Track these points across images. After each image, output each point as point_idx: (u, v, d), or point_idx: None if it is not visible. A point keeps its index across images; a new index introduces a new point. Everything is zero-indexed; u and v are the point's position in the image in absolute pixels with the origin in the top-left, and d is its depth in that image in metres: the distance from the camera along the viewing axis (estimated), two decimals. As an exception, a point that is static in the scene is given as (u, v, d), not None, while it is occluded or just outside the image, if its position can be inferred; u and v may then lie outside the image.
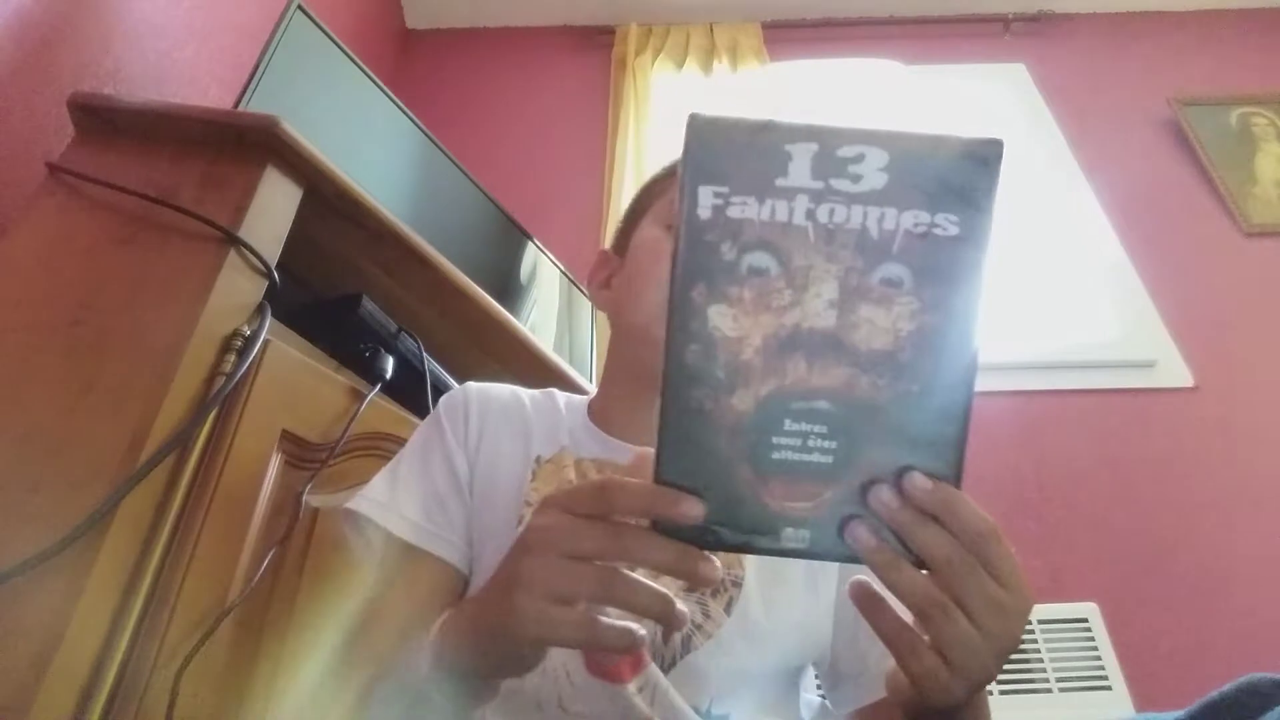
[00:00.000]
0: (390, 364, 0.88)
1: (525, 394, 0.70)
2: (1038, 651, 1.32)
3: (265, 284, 0.73)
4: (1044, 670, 1.30)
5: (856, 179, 0.30)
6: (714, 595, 0.54)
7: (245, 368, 0.66)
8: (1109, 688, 1.29)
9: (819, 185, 0.30)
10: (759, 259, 0.31)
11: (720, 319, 0.31)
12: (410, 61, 2.25)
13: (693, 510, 0.31)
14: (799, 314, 0.31)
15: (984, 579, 0.32)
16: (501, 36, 2.33)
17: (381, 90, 1.21)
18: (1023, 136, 2.10)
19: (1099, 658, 1.32)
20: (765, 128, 0.31)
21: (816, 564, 0.59)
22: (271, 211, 0.75)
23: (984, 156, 0.31)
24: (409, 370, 0.92)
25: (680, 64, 2.15)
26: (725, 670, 0.53)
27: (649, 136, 1.94)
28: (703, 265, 0.31)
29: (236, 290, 0.69)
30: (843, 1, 2.28)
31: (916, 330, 0.31)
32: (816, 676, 0.62)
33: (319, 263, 0.90)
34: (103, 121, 0.80)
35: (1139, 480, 1.54)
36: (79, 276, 0.69)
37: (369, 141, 1.19)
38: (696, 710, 0.51)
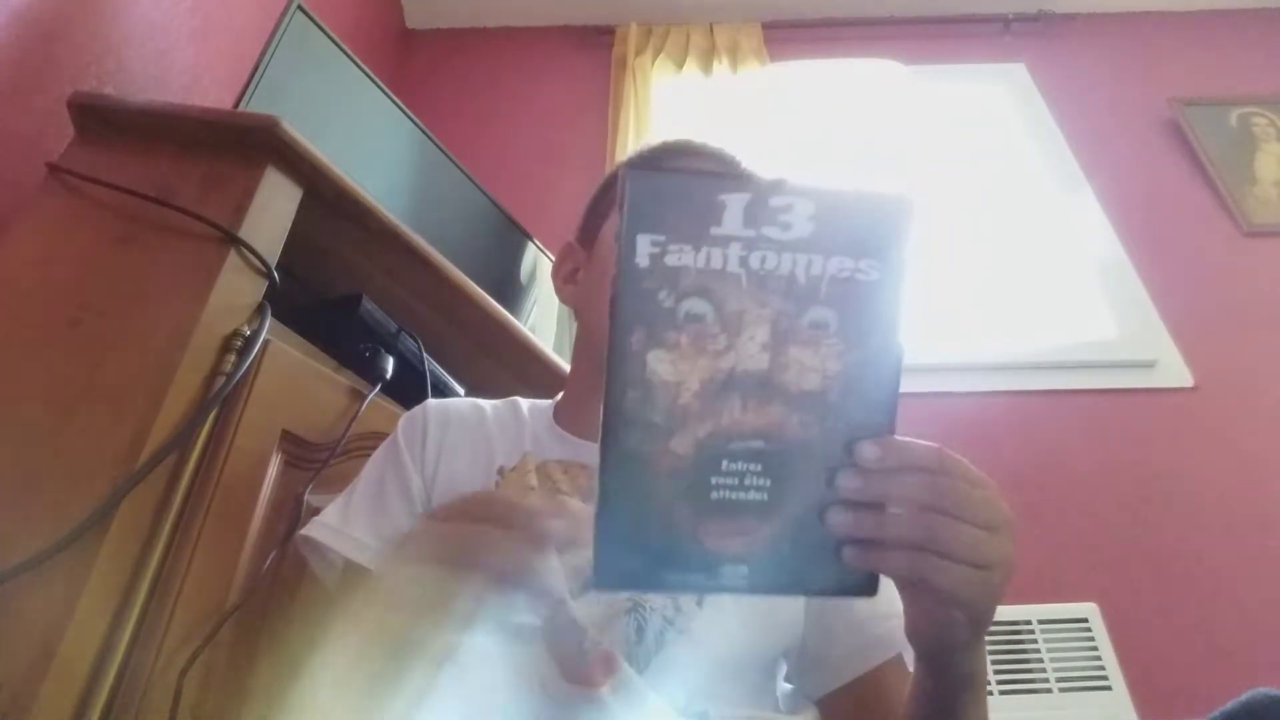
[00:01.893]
0: (390, 364, 0.88)
1: (487, 405, 0.69)
2: (1038, 651, 1.32)
3: (265, 284, 0.73)
4: (1044, 670, 1.30)
5: (786, 227, 0.32)
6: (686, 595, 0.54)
7: (245, 368, 0.66)
8: (1109, 688, 1.29)
9: (751, 233, 0.32)
10: (696, 305, 0.32)
11: (659, 364, 0.32)
12: (410, 61, 2.25)
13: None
14: (734, 357, 0.32)
15: (960, 485, 0.34)
16: (501, 36, 2.33)
17: (381, 90, 1.21)
18: (1022, 136, 2.10)
19: (1099, 658, 1.31)
20: (701, 179, 0.33)
21: None
22: (271, 211, 0.75)
23: (895, 210, 0.33)
24: (409, 370, 0.92)
25: (680, 64, 2.15)
26: (700, 664, 0.53)
27: (649, 136, 1.94)
28: (641, 312, 0.32)
29: (236, 290, 0.69)
30: (843, 1, 2.28)
31: (843, 369, 0.33)
32: (786, 665, 0.62)
33: (319, 263, 0.90)
34: (103, 121, 0.80)
35: (1139, 480, 1.54)
36: (79, 276, 0.69)
37: (369, 141, 1.19)
38: (674, 708, 0.51)
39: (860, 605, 0.59)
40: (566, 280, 0.71)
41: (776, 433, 0.33)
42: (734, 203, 0.32)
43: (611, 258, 0.68)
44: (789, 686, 0.65)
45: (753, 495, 0.33)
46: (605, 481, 0.32)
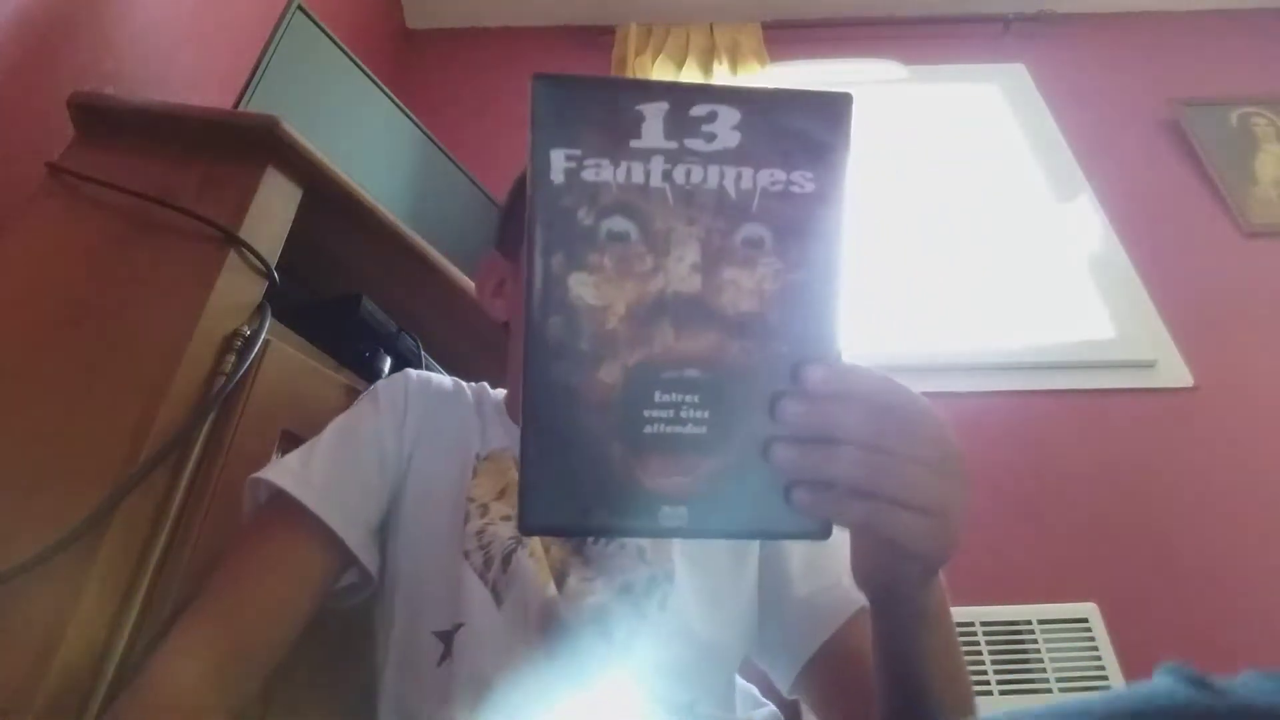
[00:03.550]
0: (390, 364, 0.88)
1: (466, 388, 0.68)
2: (1038, 651, 1.32)
3: (265, 284, 0.73)
4: (1044, 670, 1.30)
5: (710, 138, 0.30)
6: (646, 594, 0.54)
7: (245, 368, 0.66)
8: (1109, 688, 1.28)
9: (673, 145, 0.30)
10: (618, 224, 0.30)
11: (582, 288, 0.30)
12: (410, 61, 2.25)
13: None
14: (662, 279, 0.30)
15: (907, 423, 0.32)
16: (501, 36, 2.33)
17: (381, 90, 1.21)
18: (1022, 136, 2.10)
19: (1099, 658, 1.31)
20: (614, 86, 0.31)
21: (739, 549, 0.59)
22: (271, 211, 0.75)
23: (834, 111, 0.31)
24: (409, 370, 0.92)
25: (680, 64, 2.14)
26: (666, 667, 0.52)
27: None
28: (560, 232, 0.30)
29: (236, 290, 0.69)
30: (843, 1, 2.28)
31: (781, 290, 0.31)
32: (758, 655, 0.62)
33: (319, 263, 0.90)
34: (103, 121, 0.80)
35: (1139, 480, 1.54)
36: (79, 276, 0.69)
37: (369, 141, 1.19)
38: (659, 699, 0.51)
39: (803, 581, 0.59)
40: (494, 294, 0.68)
41: (713, 360, 0.30)
42: (652, 113, 0.30)
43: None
44: (748, 686, 0.65)
45: (690, 429, 0.30)
46: (530, 416, 0.30)
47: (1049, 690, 1.28)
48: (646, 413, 0.30)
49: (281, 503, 0.55)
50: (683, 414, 0.30)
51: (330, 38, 1.13)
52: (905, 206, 1.98)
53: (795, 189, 0.30)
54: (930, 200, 1.99)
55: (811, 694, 0.58)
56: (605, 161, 0.29)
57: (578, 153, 0.29)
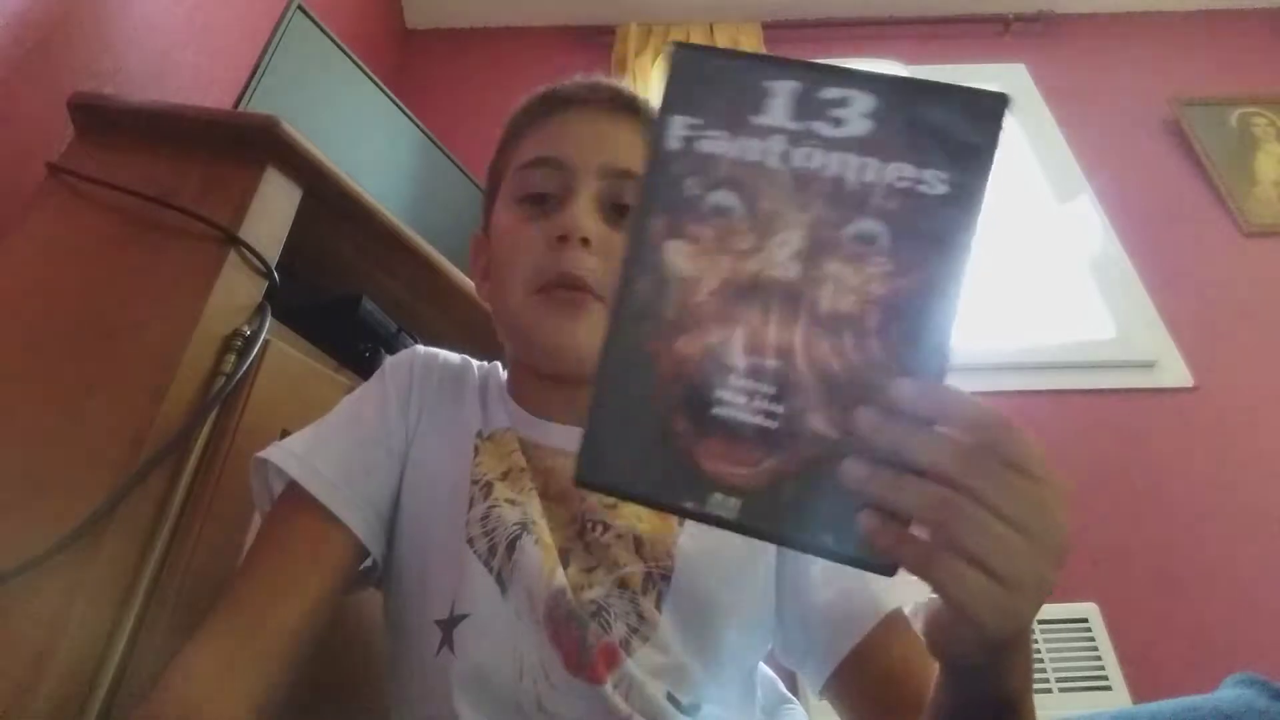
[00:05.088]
0: (390, 364, 0.88)
1: (474, 365, 0.67)
2: (1038, 651, 1.32)
3: (265, 284, 0.72)
4: (1044, 670, 1.30)
5: (838, 123, 0.28)
6: (644, 592, 0.52)
7: (245, 368, 0.66)
8: (1109, 688, 1.29)
9: (797, 127, 0.29)
10: (724, 198, 0.29)
11: (677, 255, 0.29)
12: (410, 61, 2.25)
13: None
14: (760, 261, 0.29)
15: (1005, 471, 0.28)
16: (501, 36, 2.33)
17: (381, 90, 1.21)
18: (1022, 136, 2.10)
19: (1099, 658, 1.31)
20: (748, 60, 0.30)
21: (749, 550, 0.56)
22: (271, 211, 0.75)
23: (986, 111, 0.28)
24: (409, 370, 0.92)
25: (680, 64, 2.14)
26: (668, 670, 0.51)
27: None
28: (666, 197, 0.29)
29: (236, 290, 0.69)
30: (843, 1, 2.28)
31: (888, 295, 0.28)
32: (784, 658, 0.60)
33: (319, 263, 0.90)
34: (103, 121, 0.80)
35: (1139, 480, 1.54)
36: (79, 276, 0.69)
37: (369, 141, 1.19)
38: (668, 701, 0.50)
39: (825, 586, 0.55)
40: (484, 277, 0.67)
41: (799, 354, 0.28)
42: (781, 90, 0.29)
43: (502, 248, 0.61)
44: (774, 678, 0.64)
45: (760, 420, 0.28)
46: (603, 371, 0.29)
47: (1049, 690, 1.28)
48: (718, 394, 0.29)
49: (294, 494, 0.54)
50: (755, 403, 0.28)
51: (330, 38, 1.13)
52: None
53: (924, 189, 0.28)
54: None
55: (840, 703, 0.56)
56: (724, 134, 0.29)
57: (699, 122, 0.29)
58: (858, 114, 0.28)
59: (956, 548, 0.27)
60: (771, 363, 0.28)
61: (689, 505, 0.29)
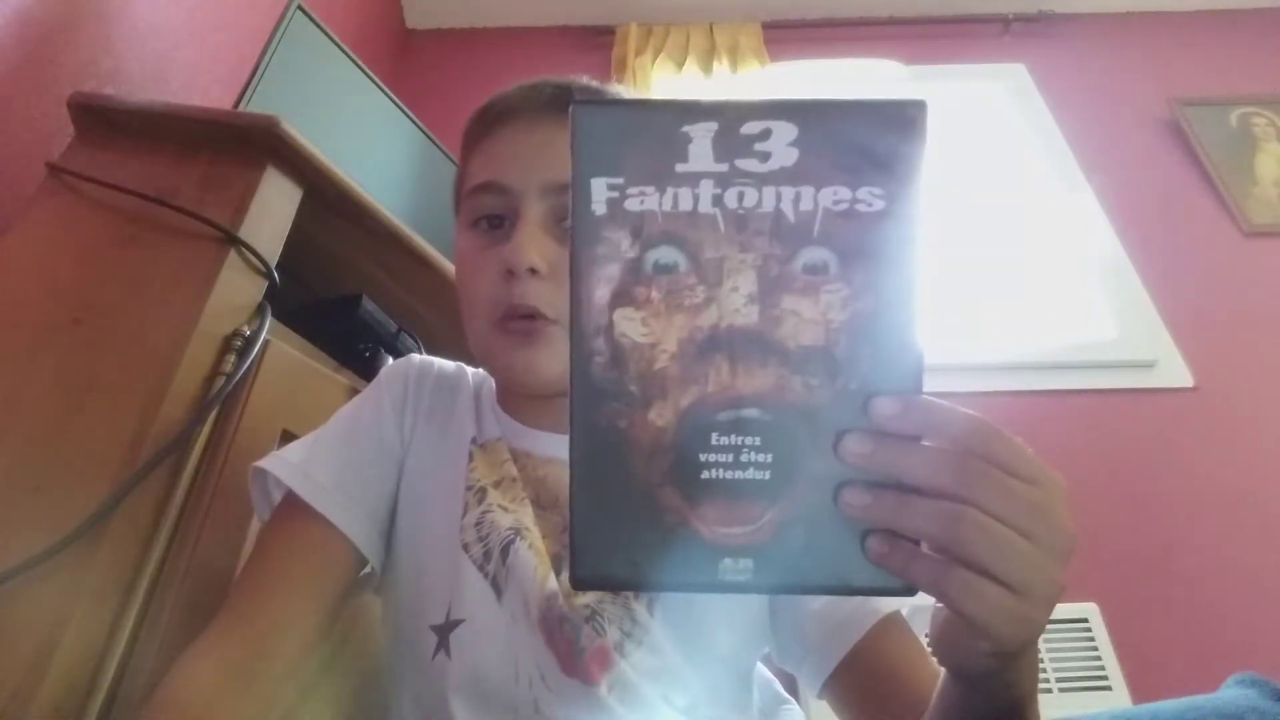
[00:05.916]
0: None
1: (470, 372, 0.67)
2: (1038, 652, 1.32)
3: (265, 284, 0.73)
4: (1044, 670, 1.30)
5: (765, 157, 0.28)
6: (635, 597, 0.52)
7: (245, 368, 0.66)
8: (1109, 688, 1.28)
9: (724, 168, 0.28)
10: (665, 254, 0.28)
11: (628, 324, 0.28)
12: (410, 61, 2.25)
13: None
14: (715, 312, 0.28)
15: (1002, 477, 0.28)
16: (501, 36, 2.33)
17: (381, 90, 1.21)
18: (1022, 137, 2.10)
19: (1099, 658, 1.31)
20: (657, 108, 0.28)
21: None
22: (271, 211, 0.75)
23: (905, 119, 0.28)
24: (409, 370, 0.92)
25: (680, 64, 2.14)
26: (662, 673, 0.51)
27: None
28: (602, 265, 0.28)
29: (236, 290, 0.69)
30: (843, 1, 2.28)
31: (849, 320, 0.28)
32: (780, 662, 0.60)
33: (319, 263, 0.90)
34: (103, 121, 0.80)
35: (1139, 480, 1.54)
36: (79, 276, 0.69)
37: (369, 141, 1.19)
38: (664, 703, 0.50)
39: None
40: None
41: (775, 398, 0.28)
42: (699, 133, 0.27)
43: (461, 275, 0.60)
44: (772, 679, 0.64)
45: (752, 474, 0.28)
46: (577, 460, 0.28)
47: (1049, 690, 1.28)
48: (703, 457, 0.28)
49: (292, 503, 0.55)
50: (743, 458, 0.28)
51: (330, 38, 1.13)
52: (905, 206, 1.97)
53: (862, 207, 0.28)
54: (929, 200, 1.99)
55: (839, 704, 0.56)
56: (650, 189, 0.28)
57: (620, 181, 0.28)
58: (782, 144, 0.28)
59: (967, 560, 0.27)
60: (750, 412, 0.28)
61: (701, 579, 0.28)
